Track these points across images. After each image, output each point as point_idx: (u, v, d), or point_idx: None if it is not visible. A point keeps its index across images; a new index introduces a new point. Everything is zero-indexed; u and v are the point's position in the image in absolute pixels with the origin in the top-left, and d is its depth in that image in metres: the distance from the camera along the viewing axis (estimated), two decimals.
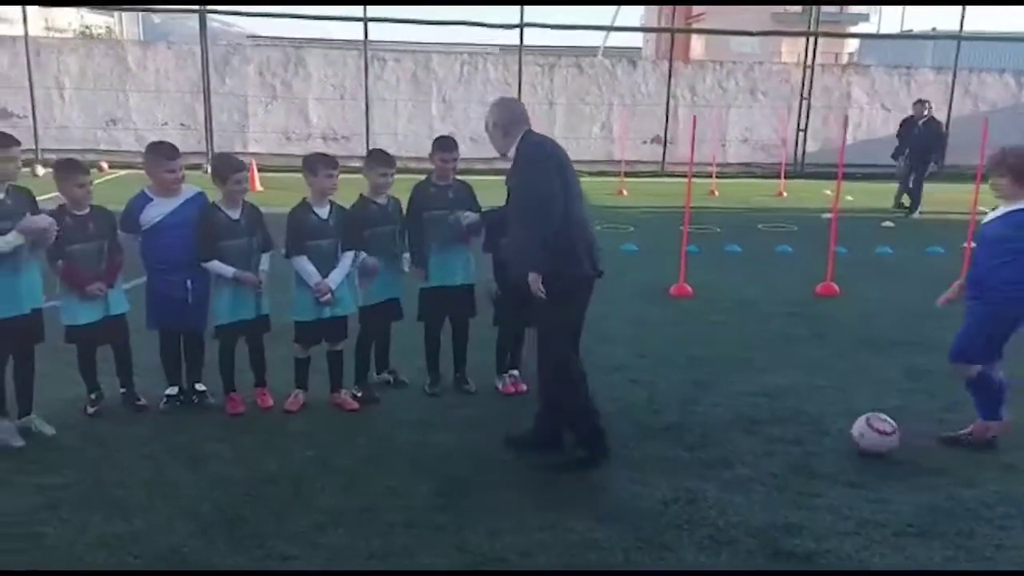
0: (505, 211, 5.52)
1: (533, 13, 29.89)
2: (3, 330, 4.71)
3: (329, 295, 5.32)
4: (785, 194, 17.90)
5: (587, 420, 4.80)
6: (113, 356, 5.50)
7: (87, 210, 5.18)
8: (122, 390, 5.52)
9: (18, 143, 4.82)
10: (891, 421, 4.98)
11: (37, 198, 5.02)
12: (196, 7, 20.73)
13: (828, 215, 14.36)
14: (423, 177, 5.95)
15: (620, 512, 4.27)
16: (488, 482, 4.57)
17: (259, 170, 16.88)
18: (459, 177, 5.92)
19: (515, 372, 6.00)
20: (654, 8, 39.27)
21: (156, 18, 46.60)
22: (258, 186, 15.33)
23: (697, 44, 35.53)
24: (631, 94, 22.52)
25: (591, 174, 20.10)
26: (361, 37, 20.96)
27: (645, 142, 22.55)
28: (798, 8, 29.65)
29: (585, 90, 22.36)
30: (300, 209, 5.40)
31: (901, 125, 15.79)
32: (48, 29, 30.74)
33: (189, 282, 5.29)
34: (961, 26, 22.21)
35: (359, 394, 5.66)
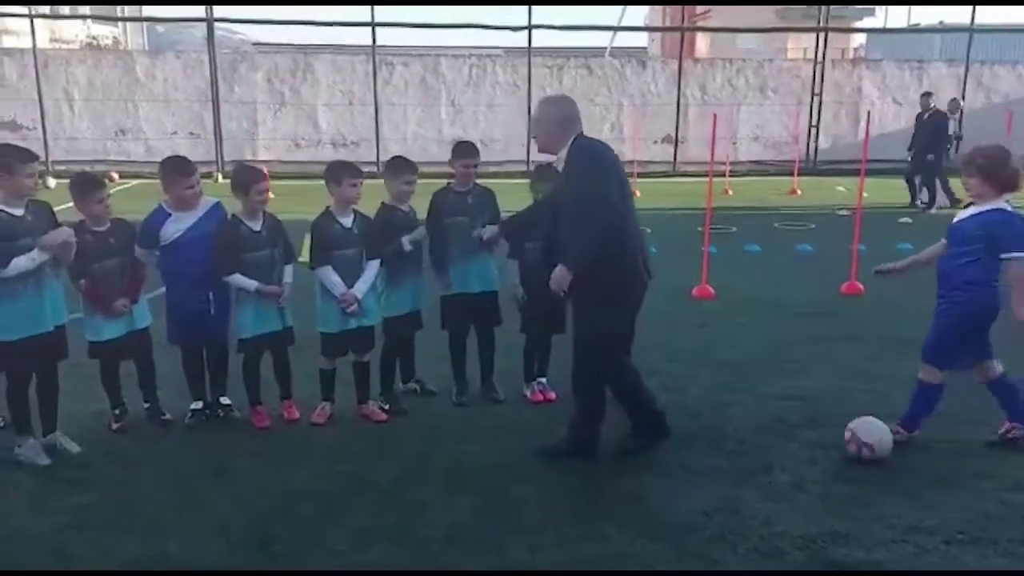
0: (525, 217, 5.44)
1: (540, 15, 29.77)
2: (28, 348, 4.63)
3: (355, 305, 5.22)
4: (799, 192, 17.76)
5: (647, 408, 4.92)
6: (136, 370, 5.42)
7: (107, 225, 5.10)
8: (146, 405, 5.44)
9: (37, 157, 4.76)
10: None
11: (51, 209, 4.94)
12: (203, 17, 20.67)
13: (844, 212, 14.34)
14: (435, 182, 5.84)
15: (661, 523, 4.16)
16: (524, 494, 4.46)
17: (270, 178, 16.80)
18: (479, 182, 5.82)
19: (543, 380, 5.90)
20: (657, 8, 39.18)
21: (160, 27, 46.64)
22: (269, 193, 15.24)
23: (702, 43, 35.42)
24: (641, 94, 22.43)
25: None
26: (369, 42, 20.91)
27: (656, 142, 22.45)
28: (801, 5, 29.54)
29: (595, 91, 22.27)
30: (323, 219, 5.31)
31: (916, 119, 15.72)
32: (53, 41, 30.80)
33: (210, 294, 5.21)
34: (972, 19, 22.05)
35: (386, 406, 5.57)
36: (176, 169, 5.24)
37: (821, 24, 22.70)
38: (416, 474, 4.72)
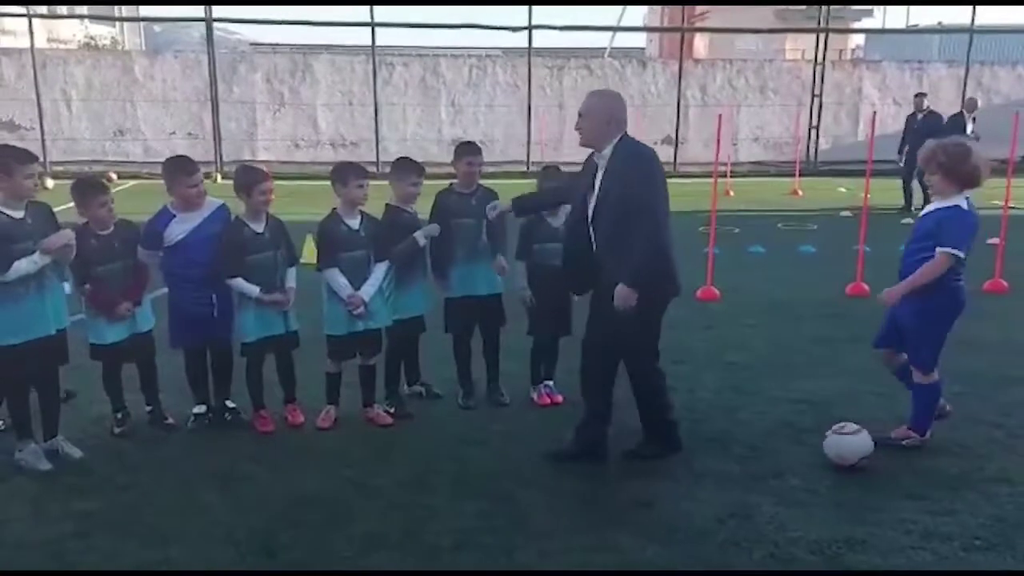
0: (536, 199, 5.43)
1: (540, 15, 29.71)
2: (30, 352, 4.55)
3: (362, 308, 5.15)
4: (801, 192, 17.71)
5: (663, 416, 4.85)
6: (138, 373, 5.35)
7: (111, 229, 5.03)
8: (148, 408, 5.37)
9: (36, 158, 4.67)
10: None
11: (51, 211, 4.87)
12: (202, 17, 20.59)
13: (847, 213, 14.29)
14: (434, 183, 5.78)
15: (673, 530, 4.09)
16: (533, 500, 4.39)
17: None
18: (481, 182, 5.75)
19: (550, 382, 5.83)
20: (656, 8, 39.11)
21: (157, 27, 46.48)
22: (272, 194, 15.18)
23: (700, 44, 35.37)
24: (641, 95, 22.37)
25: None
26: (369, 42, 20.84)
27: (656, 143, 22.32)
28: (801, 5, 29.52)
29: None
30: (330, 220, 5.24)
31: (905, 123, 15.64)
32: (51, 41, 30.69)
33: (214, 296, 5.14)
34: (973, 19, 22.02)
35: (392, 409, 5.50)
36: (179, 168, 5.17)
37: (821, 25, 22.66)
38: (423, 479, 4.65)
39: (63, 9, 32.28)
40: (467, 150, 5.61)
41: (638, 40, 43.16)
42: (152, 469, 4.79)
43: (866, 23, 37.33)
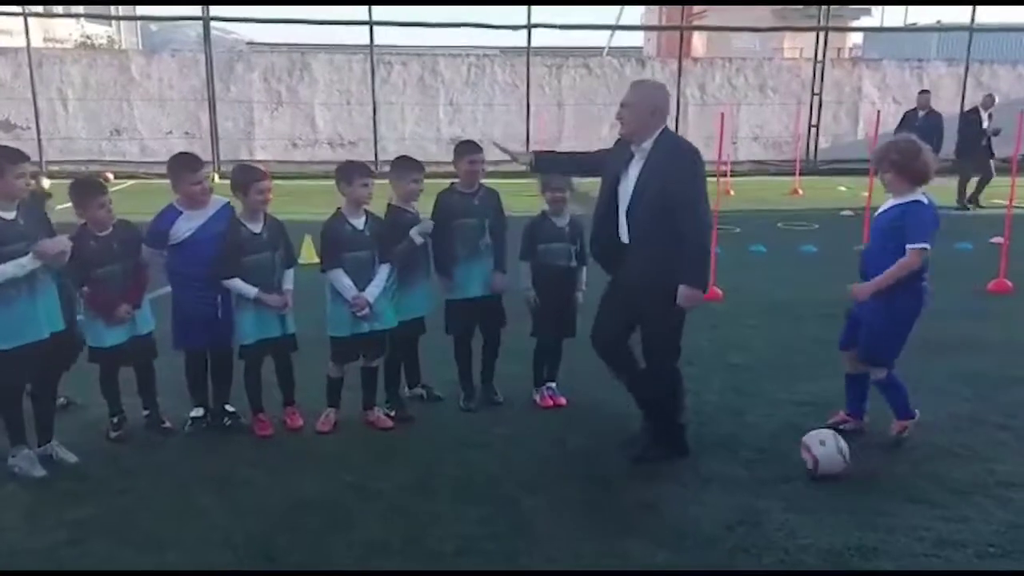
0: (560, 160, 5.44)
1: (539, 14, 29.60)
2: (24, 356, 4.44)
3: (367, 309, 5.07)
4: (801, 192, 17.63)
5: (675, 419, 4.82)
6: (135, 376, 5.26)
7: (110, 230, 4.94)
8: (145, 412, 5.27)
9: (27, 158, 4.55)
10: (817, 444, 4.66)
11: (44, 212, 4.80)
12: (199, 16, 20.48)
13: (848, 212, 14.21)
14: (433, 182, 5.69)
15: (681, 536, 4.01)
16: (537, 505, 4.31)
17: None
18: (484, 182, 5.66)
19: (552, 384, 5.75)
20: (654, 8, 39.04)
21: (154, 26, 46.35)
22: (271, 193, 15.09)
23: (698, 42, 35.31)
24: None
25: None
26: (367, 41, 20.74)
27: None
28: (799, 4, 29.46)
29: (594, 91, 22.13)
30: (334, 220, 5.14)
31: (902, 119, 15.55)
32: (48, 40, 30.57)
33: (219, 297, 5.05)
34: (972, 18, 21.95)
35: (392, 412, 5.41)
36: (183, 165, 5.09)
37: (821, 23, 22.60)
38: (424, 484, 4.57)
39: (59, 8, 32.18)
40: (469, 149, 5.53)
41: (636, 39, 43.12)
42: (149, 474, 4.71)
43: (864, 22, 37.28)
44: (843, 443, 4.61)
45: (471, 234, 5.47)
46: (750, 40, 31.40)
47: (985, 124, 15.03)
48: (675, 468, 4.71)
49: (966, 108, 17.79)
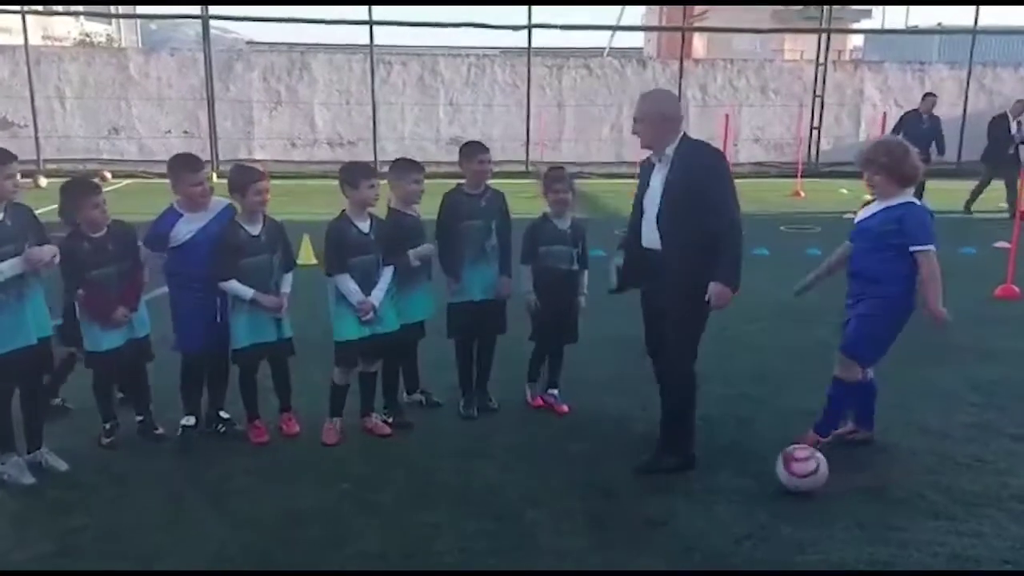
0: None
1: (540, 14, 29.48)
2: (12, 362, 4.33)
3: (372, 314, 4.95)
4: (803, 194, 17.53)
5: (687, 427, 4.75)
6: (128, 381, 5.14)
7: (104, 231, 4.81)
8: (138, 419, 5.16)
9: (16, 158, 4.42)
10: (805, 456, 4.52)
11: (39, 211, 4.67)
12: (199, 14, 20.35)
13: (851, 215, 14.07)
14: (432, 183, 5.58)
15: (690, 551, 3.90)
16: (540, 518, 4.20)
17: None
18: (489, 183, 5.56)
19: (555, 391, 5.64)
20: (654, 8, 38.94)
21: (153, 25, 46.22)
22: (268, 194, 15.00)
23: (698, 43, 35.21)
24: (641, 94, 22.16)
25: (602, 176, 19.79)
26: (367, 41, 20.64)
27: None
28: (799, 5, 29.37)
29: (595, 91, 22.03)
30: (340, 223, 5.00)
31: (899, 121, 15.43)
32: (46, 38, 30.46)
33: (219, 300, 4.93)
34: (976, 20, 21.86)
35: (390, 419, 5.30)
36: (183, 165, 4.97)
37: (823, 25, 22.50)
38: (424, 494, 4.45)
39: (59, 7, 32.04)
40: (478, 149, 5.43)
41: (636, 40, 43.00)
42: (142, 482, 4.59)
43: (865, 24, 37.19)
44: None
45: (477, 236, 5.37)
46: (751, 41, 31.29)
47: (1014, 131, 14.88)
48: (682, 480, 4.60)
49: (972, 112, 17.66)
